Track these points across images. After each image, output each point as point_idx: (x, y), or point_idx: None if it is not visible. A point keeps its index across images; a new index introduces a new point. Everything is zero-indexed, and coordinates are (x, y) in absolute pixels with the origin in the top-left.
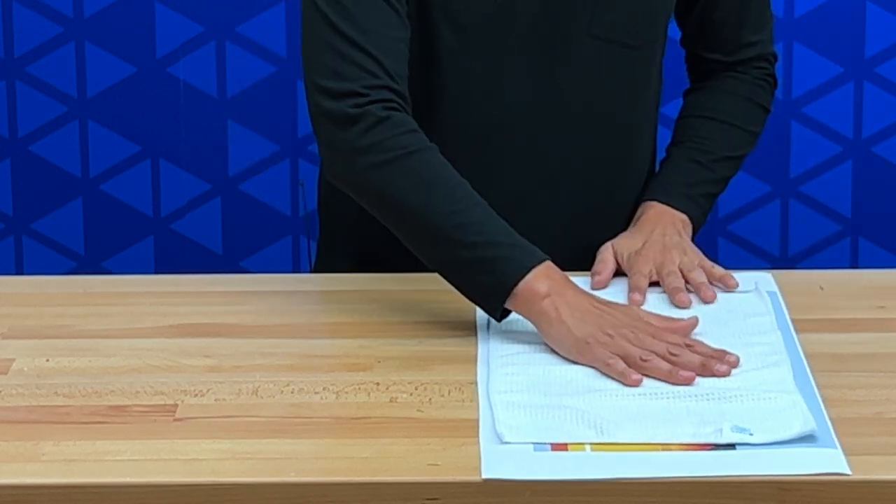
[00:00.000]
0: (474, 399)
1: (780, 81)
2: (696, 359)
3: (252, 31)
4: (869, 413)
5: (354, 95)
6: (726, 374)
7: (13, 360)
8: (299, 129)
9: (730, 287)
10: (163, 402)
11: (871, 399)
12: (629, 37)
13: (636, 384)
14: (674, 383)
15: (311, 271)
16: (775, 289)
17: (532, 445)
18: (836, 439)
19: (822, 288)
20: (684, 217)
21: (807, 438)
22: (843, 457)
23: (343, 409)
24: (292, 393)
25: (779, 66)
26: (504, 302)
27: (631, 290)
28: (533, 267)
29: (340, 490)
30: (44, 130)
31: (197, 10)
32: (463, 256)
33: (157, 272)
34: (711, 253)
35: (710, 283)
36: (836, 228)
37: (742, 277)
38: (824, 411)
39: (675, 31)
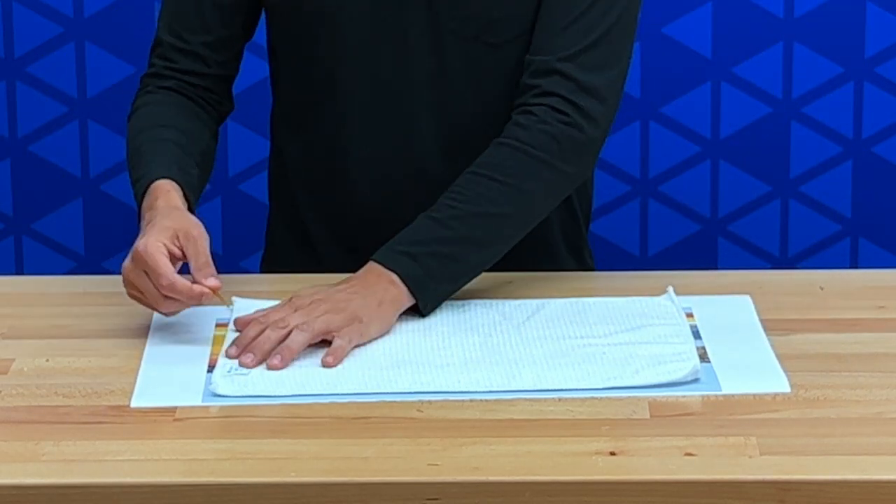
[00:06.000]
0: (474, 399)
1: (779, 81)
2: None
3: None
4: (869, 413)
5: (162, 46)
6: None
7: (13, 360)
8: None
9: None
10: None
11: (871, 399)
12: (486, 35)
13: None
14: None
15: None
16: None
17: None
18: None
19: (822, 288)
20: (391, 276)
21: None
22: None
23: (343, 409)
24: None
25: (775, 68)
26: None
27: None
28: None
29: (340, 490)
30: (44, 130)
31: None
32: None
33: None
34: (711, 253)
35: None
36: (836, 228)
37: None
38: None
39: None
